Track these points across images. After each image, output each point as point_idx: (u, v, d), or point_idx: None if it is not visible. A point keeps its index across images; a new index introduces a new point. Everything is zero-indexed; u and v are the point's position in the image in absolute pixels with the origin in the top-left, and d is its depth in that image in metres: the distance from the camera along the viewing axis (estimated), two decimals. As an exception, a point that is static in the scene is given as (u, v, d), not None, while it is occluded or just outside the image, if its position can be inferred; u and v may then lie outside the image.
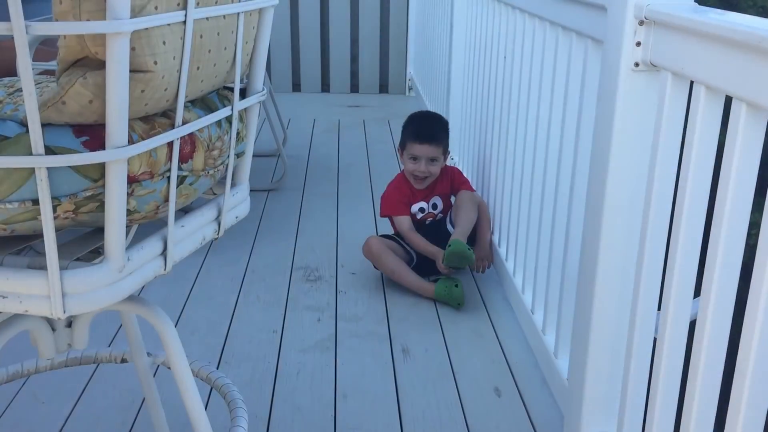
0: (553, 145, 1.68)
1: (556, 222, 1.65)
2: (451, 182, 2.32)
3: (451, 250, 2.01)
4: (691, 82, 1.02)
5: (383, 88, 5.07)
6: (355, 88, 5.05)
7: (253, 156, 1.14)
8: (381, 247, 2.14)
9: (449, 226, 2.20)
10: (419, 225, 2.25)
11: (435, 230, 2.22)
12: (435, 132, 2.25)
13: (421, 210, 2.26)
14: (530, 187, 1.86)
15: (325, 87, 5.04)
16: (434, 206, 2.27)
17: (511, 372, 1.75)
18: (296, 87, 5.03)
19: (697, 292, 1.03)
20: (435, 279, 2.07)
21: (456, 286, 2.01)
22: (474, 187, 2.40)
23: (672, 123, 1.08)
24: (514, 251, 2.02)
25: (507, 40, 2.08)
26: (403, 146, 2.26)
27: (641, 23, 1.12)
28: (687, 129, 1.02)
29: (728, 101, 0.94)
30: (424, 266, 2.15)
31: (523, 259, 1.93)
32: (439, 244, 2.12)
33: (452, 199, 2.30)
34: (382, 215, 2.29)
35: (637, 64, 1.15)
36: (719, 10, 1.00)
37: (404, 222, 2.21)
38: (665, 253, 1.12)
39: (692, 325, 1.04)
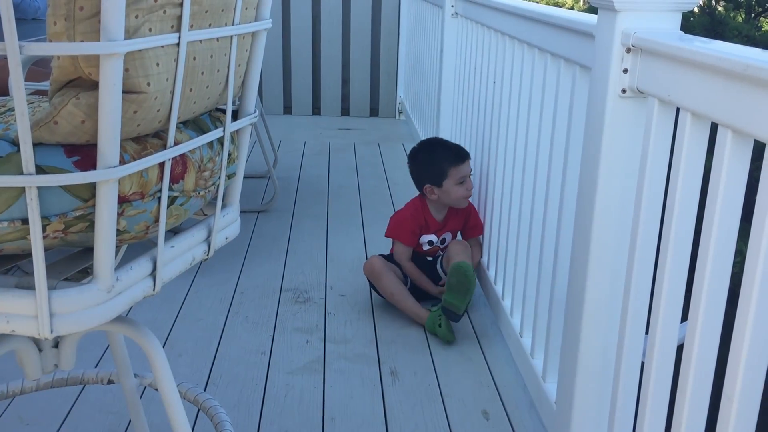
0: (541, 169, 1.69)
1: (544, 245, 1.65)
2: (465, 221, 2.24)
3: (457, 268, 1.97)
4: (678, 109, 1.03)
5: (374, 111, 5.09)
6: (345, 111, 5.07)
7: (244, 177, 1.14)
8: (383, 268, 2.10)
9: (440, 269, 2.18)
10: (418, 257, 2.19)
11: (429, 268, 2.19)
12: (461, 147, 2.21)
13: (430, 243, 2.19)
14: (519, 211, 1.86)
15: (316, 110, 5.06)
16: (443, 241, 2.20)
17: (500, 395, 1.74)
18: (287, 110, 5.04)
19: (685, 316, 1.03)
20: (433, 306, 2.05)
21: (440, 325, 1.96)
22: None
23: (659, 149, 1.09)
24: (503, 274, 2.02)
25: (497, 65, 2.10)
26: (442, 176, 2.11)
27: (628, 51, 1.13)
28: (673, 155, 1.03)
29: (714, 127, 0.95)
30: (418, 289, 2.14)
31: (512, 283, 1.93)
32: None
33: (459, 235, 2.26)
34: (388, 235, 2.20)
35: (624, 91, 1.16)
36: (705, 39, 1.02)
37: (405, 252, 2.16)
38: (653, 277, 1.12)
39: (680, 348, 1.04)
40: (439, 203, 2.17)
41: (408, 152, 2.34)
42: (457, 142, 2.67)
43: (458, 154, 2.15)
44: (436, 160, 2.15)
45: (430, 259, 2.21)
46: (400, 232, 2.17)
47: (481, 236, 2.27)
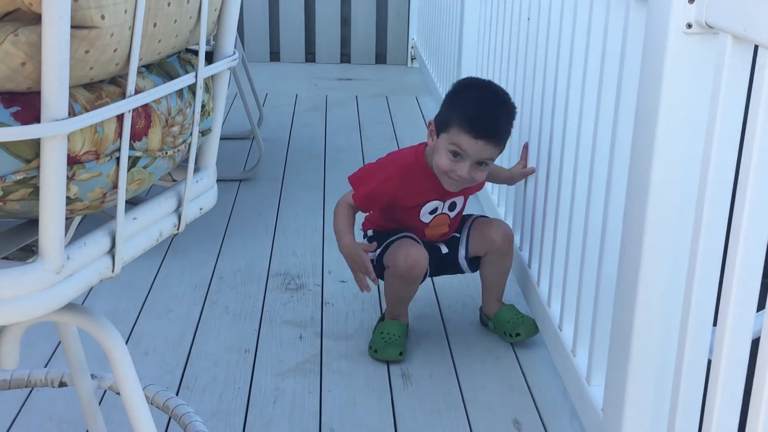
0: (586, 127, 1.68)
1: (589, 219, 1.65)
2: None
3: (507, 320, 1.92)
4: (756, 47, 1.01)
5: (380, 57, 5.07)
6: (346, 57, 5.05)
7: (223, 138, 1.14)
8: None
9: (463, 262, 2.00)
10: (426, 245, 1.92)
11: (438, 259, 1.98)
12: (501, 124, 1.84)
13: (433, 211, 1.94)
14: (558, 177, 1.86)
15: (310, 56, 5.04)
16: (452, 206, 1.96)
17: (534, 401, 1.75)
18: (275, 55, 5.02)
19: (762, 305, 1.03)
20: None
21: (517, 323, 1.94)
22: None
23: (732, 96, 1.08)
24: (539, 254, 2.02)
25: (531, -2, 2.08)
26: (443, 127, 1.82)
27: (695, -24, 1.12)
28: (751, 103, 1.02)
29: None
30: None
31: (550, 264, 1.93)
32: (438, 273, 2.03)
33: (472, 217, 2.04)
34: (353, 185, 1.92)
35: (689, 26, 1.15)
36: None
37: (348, 212, 1.91)
38: (723, 258, 1.12)
39: (755, 344, 1.04)
40: (431, 156, 1.89)
41: (421, 106, 2.29)
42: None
43: (478, 123, 1.78)
44: (454, 106, 1.84)
45: (444, 250, 1.99)
46: (366, 186, 1.89)
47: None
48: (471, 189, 1.97)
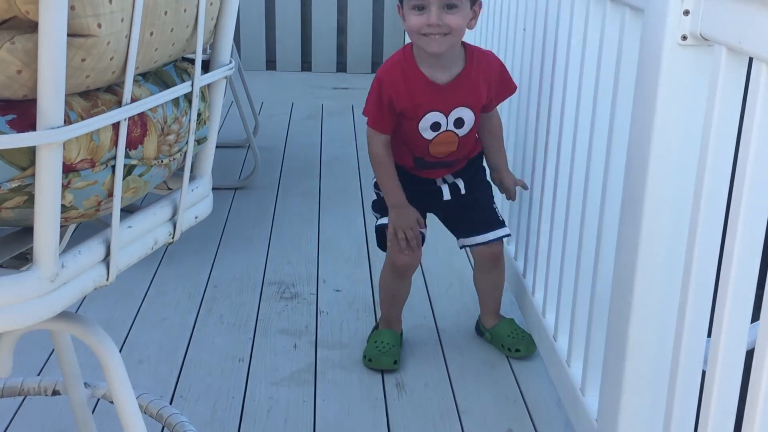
0: (581, 135, 1.68)
1: (584, 228, 1.65)
2: (492, 84, 1.85)
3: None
4: (751, 60, 1.02)
5: (376, 66, 5.06)
6: (342, 66, 5.05)
7: (218, 146, 1.14)
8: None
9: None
10: (422, 163, 1.85)
11: (437, 201, 1.90)
12: None
13: (435, 126, 1.80)
14: (554, 185, 1.86)
15: (306, 65, 5.04)
16: (458, 123, 1.82)
17: (528, 411, 1.75)
18: (271, 64, 5.03)
19: (756, 316, 1.03)
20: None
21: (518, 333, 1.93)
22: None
23: (727, 109, 1.08)
24: (534, 264, 2.02)
25: (527, 8, 2.09)
26: None
27: (690, -12, 1.13)
28: (745, 115, 1.02)
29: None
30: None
31: (545, 275, 1.93)
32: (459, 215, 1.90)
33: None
34: (365, 114, 1.87)
35: (684, 37, 1.15)
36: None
37: (380, 145, 1.83)
38: (718, 267, 1.12)
39: (749, 355, 1.04)
40: (420, 47, 1.78)
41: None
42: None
43: None
44: None
45: (447, 197, 1.90)
46: (369, 105, 1.84)
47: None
48: (476, 96, 1.82)
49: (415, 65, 1.79)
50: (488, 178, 1.99)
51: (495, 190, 2.00)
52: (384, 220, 1.87)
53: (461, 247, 1.99)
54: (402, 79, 1.79)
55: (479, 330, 2.03)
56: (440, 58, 1.77)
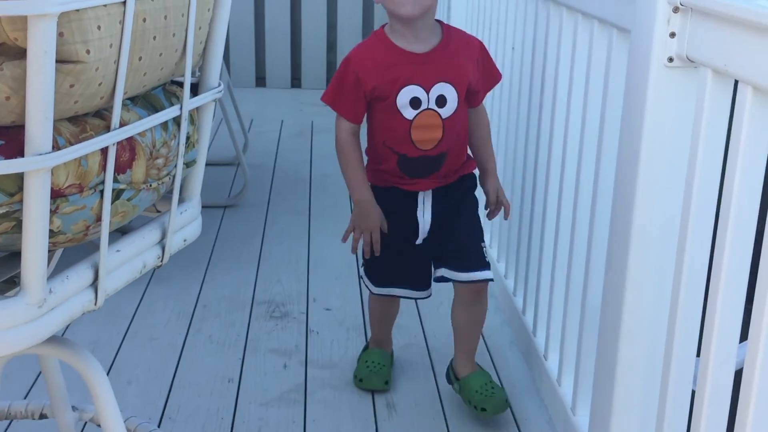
0: (570, 154, 1.69)
1: (574, 247, 1.66)
2: (475, 64, 1.70)
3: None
4: (736, 82, 1.03)
5: (366, 83, 5.08)
6: (331, 83, 5.06)
7: (207, 165, 1.14)
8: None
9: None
10: (406, 163, 1.69)
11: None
12: None
13: (415, 103, 1.65)
14: (543, 204, 1.87)
15: (296, 81, 5.05)
16: (440, 101, 1.67)
17: (519, 430, 1.74)
18: (260, 81, 5.03)
19: (744, 336, 1.03)
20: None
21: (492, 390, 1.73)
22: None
23: (713, 130, 1.09)
24: (524, 283, 2.03)
25: (515, 28, 2.10)
26: None
27: (676, 10, 1.14)
28: (731, 138, 1.03)
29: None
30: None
31: (535, 294, 1.93)
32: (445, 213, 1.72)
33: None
34: (328, 102, 1.70)
35: (671, 59, 1.16)
36: (770, -4, 1.02)
37: (347, 133, 1.68)
38: (706, 287, 1.13)
39: (738, 374, 1.05)
40: (396, 19, 1.65)
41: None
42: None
43: None
44: None
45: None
46: (331, 87, 1.69)
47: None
48: (457, 72, 1.67)
49: (389, 41, 1.67)
50: (479, 211, 1.80)
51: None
52: (380, 290, 1.81)
53: (436, 279, 1.78)
54: (372, 55, 1.67)
55: (449, 378, 1.83)
56: (414, 28, 1.63)
